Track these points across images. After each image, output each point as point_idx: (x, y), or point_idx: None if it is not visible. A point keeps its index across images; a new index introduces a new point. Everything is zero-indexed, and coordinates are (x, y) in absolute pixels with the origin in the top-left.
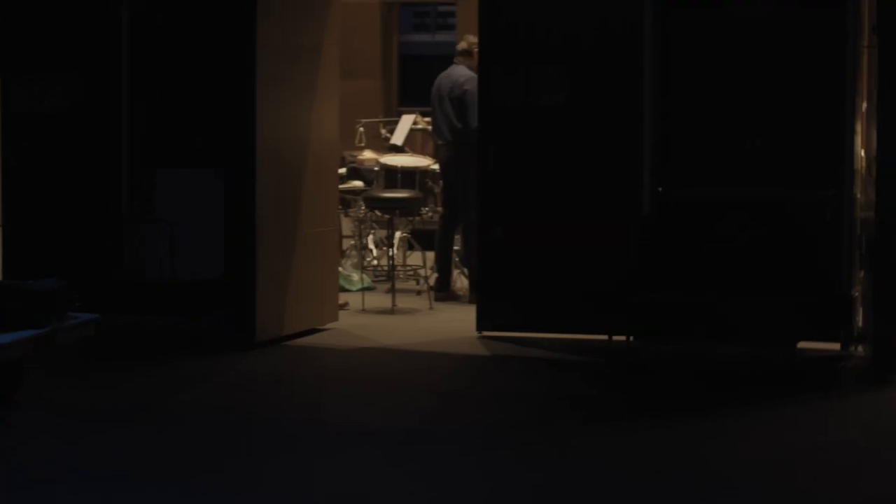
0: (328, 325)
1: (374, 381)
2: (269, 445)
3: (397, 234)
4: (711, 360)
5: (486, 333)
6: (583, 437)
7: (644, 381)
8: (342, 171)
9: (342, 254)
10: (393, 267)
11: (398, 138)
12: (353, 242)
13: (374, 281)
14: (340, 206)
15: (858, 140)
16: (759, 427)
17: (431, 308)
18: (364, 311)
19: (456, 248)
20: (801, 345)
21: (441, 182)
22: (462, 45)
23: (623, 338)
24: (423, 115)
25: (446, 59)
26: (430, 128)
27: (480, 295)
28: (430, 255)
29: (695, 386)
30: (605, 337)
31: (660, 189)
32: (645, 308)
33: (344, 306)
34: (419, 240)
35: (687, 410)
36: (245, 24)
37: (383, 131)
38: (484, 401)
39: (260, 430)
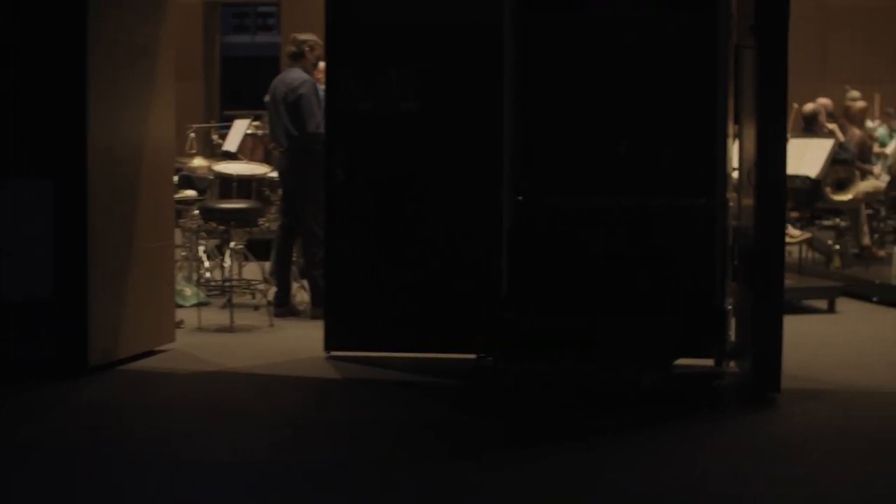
0: (165, 347)
1: (220, 410)
2: (109, 485)
3: (231, 245)
4: (584, 381)
5: (334, 353)
6: (452, 472)
7: (512, 405)
8: (174, 179)
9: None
10: (229, 281)
11: (231, 144)
12: (184, 254)
13: (208, 295)
14: None
15: (731, 145)
16: (643, 456)
17: (272, 325)
18: (201, 329)
19: (296, 259)
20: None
21: (280, 191)
22: (290, 48)
23: (490, 357)
24: (252, 118)
25: (268, 60)
26: (260, 132)
27: (328, 312)
28: (268, 266)
29: (568, 411)
30: (470, 356)
31: (520, 198)
32: (510, 327)
33: (179, 324)
34: (255, 250)
35: (562, 439)
36: (75, 19)
37: (215, 137)
38: (340, 430)
39: (98, 468)
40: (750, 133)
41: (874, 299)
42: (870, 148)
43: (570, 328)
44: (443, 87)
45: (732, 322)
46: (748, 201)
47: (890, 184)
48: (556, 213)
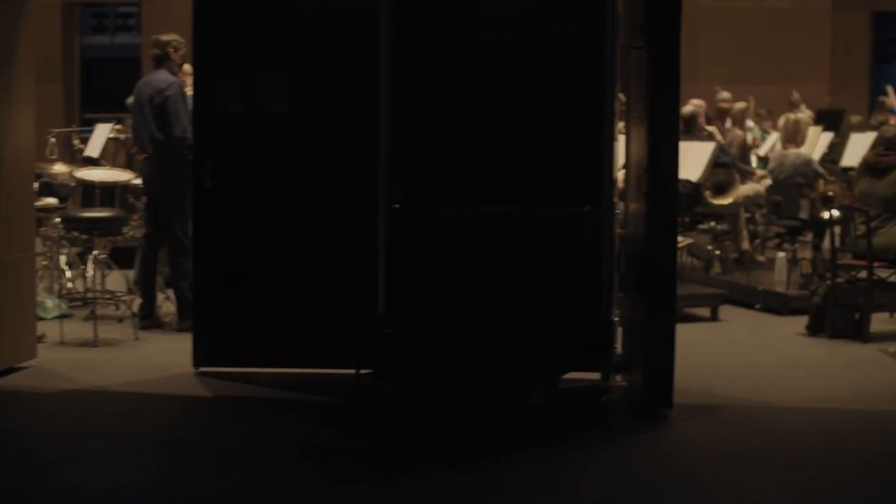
0: (26, 363)
1: (89, 433)
2: None
3: (94, 254)
4: (469, 399)
5: (203, 369)
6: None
7: (392, 426)
8: (34, 186)
9: None
10: (92, 292)
11: (93, 149)
12: (45, 263)
13: (70, 307)
14: None
15: (618, 149)
16: (531, 482)
17: (137, 339)
18: (63, 343)
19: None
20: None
21: (144, 198)
22: (154, 51)
23: (370, 374)
24: (114, 122)
25: (129, 61)
26: (122, 136)
27: (196, 326)
28: (132, 275)
29: (451, 432)
30: (349, 372)
31: (397, 206)
32: (390, 342)
33: (41, 338)
34: (119, 259)
35: (443, 463)
36: None
37: (76, 141)
38: (215, 454)
39: None
40: (638, 136)
41: (757, 306)
42: (749, 149)
43: (453, 343)
44: (316, 89)
45: (620, 334)
46: (636, 207)
47: (771, 188)
48: (434, 222)
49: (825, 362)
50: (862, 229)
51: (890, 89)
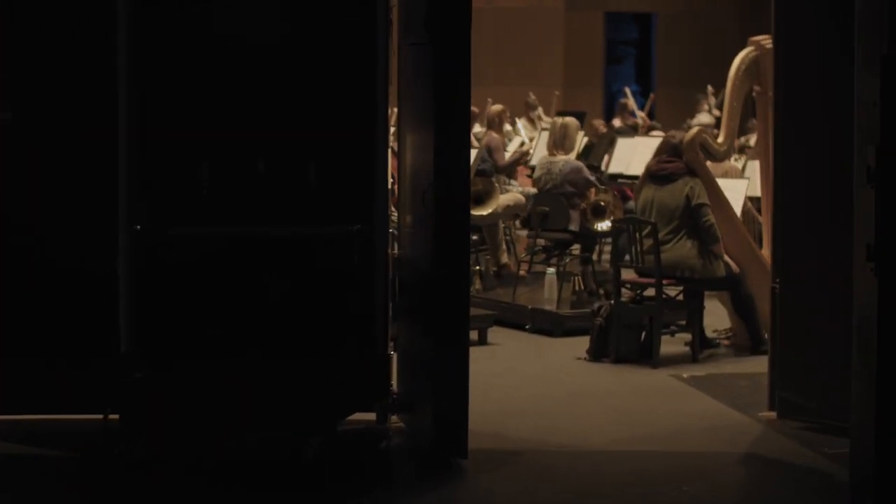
0: None
1: None
2: None
3: None
4: (233, 450)
5: None
6: None
7: (141, 485)
8: None
9: None
10: None
11: None
12: None
13: None
14: None
15: (391, 162)
16: None
17: None
18: None
19: None
20: None
21: None
22: None
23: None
24: None
25: None
26: None
27: None
28: None
29: (212, 493)
30: (96, 417)
31: (138, 228)
32: (137, 385)
33: None
34: None
35: None
36: None
37: None
38: None
39: None
40: (417, 144)
41: (527, 327)
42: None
43: (211, 384)
44: (45, 94)
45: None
46: (413, 224)
47: (537, 197)
48: (182, 246)
49: (618, 392)
50: (648, 243)
51: (628, 91)
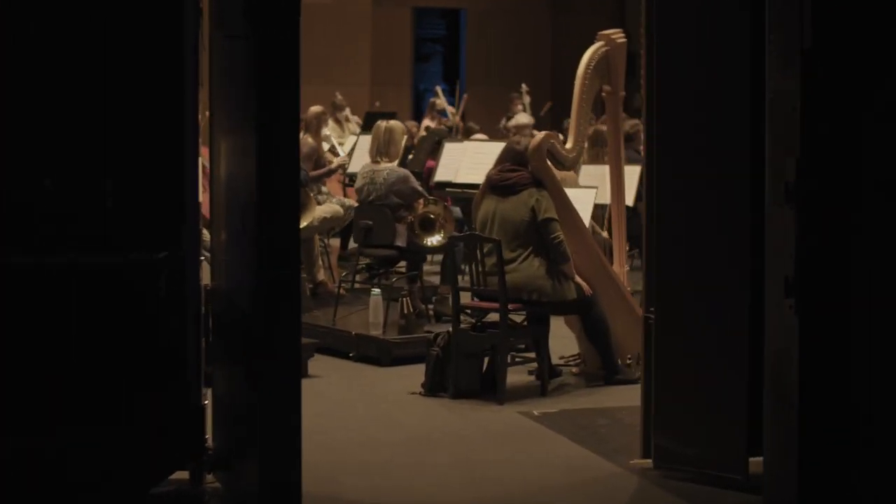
0: None
1: None
2: None
3: None
4: None
5: None
6: None
7: None
8: None
9: None
10: None
11: None
12: None
13: None
14: None
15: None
16: None
17: None
18: None
19: None
20: None
21: None
22: None
23: None
24: None
25: None
26: None
27: None
28: None
29: None
30: None
31: None
32: None
33: None
34: None
35: None
36: None
37: None
38: None
39: None
40: (232, 151)
41: (351, 355)
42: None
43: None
44: None
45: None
46: (224, 243)
47: (358, 210)
48: None
49: (465, 437)
50: (489, 263)
51: (439, 90)
